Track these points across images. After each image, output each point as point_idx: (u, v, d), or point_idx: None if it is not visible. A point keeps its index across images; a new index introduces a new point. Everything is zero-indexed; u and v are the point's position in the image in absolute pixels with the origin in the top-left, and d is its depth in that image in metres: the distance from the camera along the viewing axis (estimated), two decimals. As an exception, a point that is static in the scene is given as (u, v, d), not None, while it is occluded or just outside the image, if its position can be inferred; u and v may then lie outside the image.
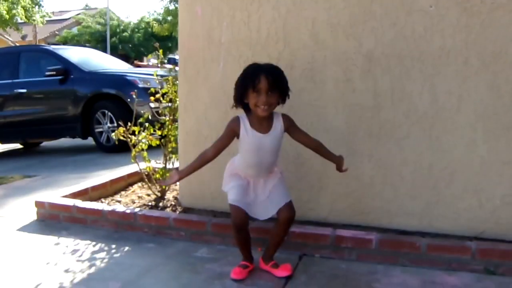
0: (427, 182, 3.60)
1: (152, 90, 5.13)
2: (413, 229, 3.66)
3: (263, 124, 3.11)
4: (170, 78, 5.02)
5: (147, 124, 4.94)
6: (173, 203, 4.82)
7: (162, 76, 5.61)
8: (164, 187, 5.07)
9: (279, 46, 3.80)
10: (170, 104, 5.02)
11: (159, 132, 4.99)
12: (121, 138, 4.84)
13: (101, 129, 9.20)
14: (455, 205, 3.55)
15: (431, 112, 3.53)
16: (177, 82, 4.60)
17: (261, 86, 2.95)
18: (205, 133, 4.12)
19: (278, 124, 3.14)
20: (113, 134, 4.90)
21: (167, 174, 4.97)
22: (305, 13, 3.77)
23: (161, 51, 5.55)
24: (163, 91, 5.04)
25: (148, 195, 5.23)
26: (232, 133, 3.16)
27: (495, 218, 3.47)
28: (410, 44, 3.52)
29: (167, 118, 4.98)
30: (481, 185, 3.48)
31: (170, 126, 4.96)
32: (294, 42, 3.80)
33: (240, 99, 3.10)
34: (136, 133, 4.92)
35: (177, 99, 4.73)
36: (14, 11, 28.67)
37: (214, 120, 4.03)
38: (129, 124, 4.91)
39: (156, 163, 5.15)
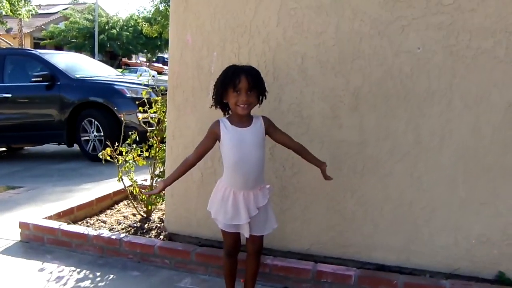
0: (407, 219, 3.70)
1: (141, 109, 5.18)
2: (391, 264, 3.76)
3: (243, 120, 3.15)
4: (159, 99, 5.06)
5: (134, 146, 4.99)
6: (158, 224, 4.88)
7: (149, 86, 5.65)
8: (149, 208, 5.12)
9: (268, 80, 3.84)
10: (156, 115, 5.06)
11: (146, 154, 5.03)
12: (108, 158, 4.89)
13: (87, 138, 9.18)
14: (433, 242, 3.65)
15: (414, 151, 3.63)
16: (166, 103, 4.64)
17: (241, 85, 3.01)
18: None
19: (258, 122, 3.19)
20: (100, 154, 4.93)
21: (154, 197, 5.02)
22: (295, 48, 3.85)
23: (150, 74, 5.58)
24: (152, 111, 5.08)
25: (134, 214, 5.27)
26: (212, 134, 3.19)
27: (470, 256, 3.58)
28: (397, 84, 3.62)
29: (155, 140, 5.02)
30: (458, 223, 3.59)
31: (157, 148, 5.01)
32: (283, 77, 3.87)
33: (220, 99, 3.16)
34: (124, 154, 4.97)
35: (166, 120, 4.78)
36: (-1, 4, 28.47)
37: (202, 148, 4.08)
38: (116, 144, 4.97)
39: (142, 182, 5.19)
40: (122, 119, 5.50)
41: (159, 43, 44.15)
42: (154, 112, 5.07)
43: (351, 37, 3.69)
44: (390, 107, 3.65)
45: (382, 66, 3.64)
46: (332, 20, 3.73)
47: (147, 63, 48.62)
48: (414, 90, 3.58)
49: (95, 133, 9.06)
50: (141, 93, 5.49)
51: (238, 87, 3.01)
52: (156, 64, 47.05)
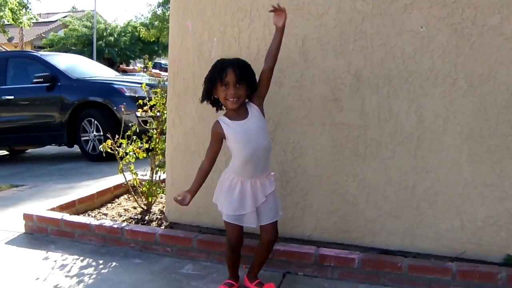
0: (410, 202, 3.64)
1: (140, 102, 5.15)
2: (395, 248, 3.70)
3: (240, 113, 3.12)
4: (158, 90, 5.03)
5: (134, 137, 4.96)
6: (159, 216, 4.85)
7: (150, 86, 5.63)
8: (150, 200, 5.10)
9: (269, 63, 3.83)
10: (158, 114, 5.03)
11: (146, 145, 5.01)
12: (109, 150, 4.87)
13: (87, 138, 9.17)
14: (438, 225, 3.60)
15: (417, 133, 3.57)
16: (166, 94, 4.61)
17: (229, 79, 2.99)
18: (192, 148, 4.14)
19: (253, 109, 3.15)
20: (100, 146, 4.92)
21: (154, 188, 4.99)
22: (296, 31, 3.80)
23: (150, 63, 5.56)
24: (151, 103, 5.05)
25: (134, 207, 5.24)
26: (218, 136, 3.17)
27: (477, 239, 3.52)
28: (399, 64, 3.57)
29: (155, 132, 4.99)
30: (463, 206, 3.53)
31: (157, 140, 4.98)
32: (284, 60, 3.80)
33: (209, 94, 3.14)
34: (124, 146, 4.94)
35: (165, 112, 4.75)
36: (1, 13, 28.57)
37: (202, 135, 4.01)
38: (116, 136, 4.94)
39: (142, 176, 5.15)
40: (123, 110, 5.45)
41: (156, 48, 44.17)
42: (154, 105, 5.03)
43: (353, 17, 3.65)
44: (392, 88, 3.60)
45: (384, 46, 3.60)
46: (333, 0, 3.69)
47: (144, 69, 48.65)
48: (417, 70, 3.54)
49: (94, 133, 9.06)
50: (141, 87, 5.47)
51: (226, 81, 3.01)
52: (153, 70, 47.03)
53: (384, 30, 3.59)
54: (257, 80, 3.18)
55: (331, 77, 3.73)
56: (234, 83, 3.00)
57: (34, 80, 9.43)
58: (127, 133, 4.98)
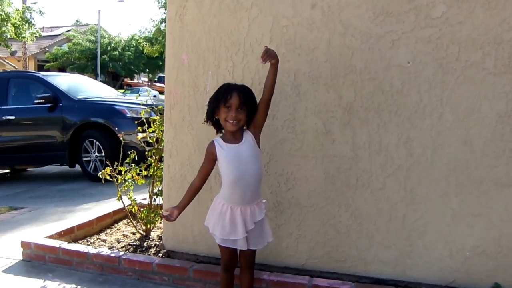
0: (401, 232, 3.72)
1: (140, 128, 5.24)
2: (387, 277, 3.78)
3: (236, 136, 3.21)
4: (157, 118, 5.12)
5: (133, 165, 5.04)
6: (157, 243, 4.91)
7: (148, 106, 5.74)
8: (148, 226, 5.15)
9: (262, 96, 3.91)
10: (155, 134, 5.11)
11: (145, 173, 5.08)
12: (108, 178, 4.94)
13: (88, 158, 9.23)
14: (428, 255, 3.67)
15: (406, 165, 3.66)
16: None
17: (232, 101, 3.09)
18: (189, 178, 4.19)
19: (248, 136, 3.23)
20: (99, 174, 4.97)
21: (152, 215, 5.06)
22: (288, 65, 3.89)
23: (153, 92, 5.64)
24: (150, 130, 5.14)
25: (133, 233, 5.30)
26: (210, 156, 3.25)
27: (465, 268, 3.60)
28: (388, 98, 3.66)
29: (153, 159, 5.07)
30: (452, 236, 3.61)
31: (155, 167, 5.06)
32: (277, 93, 3.87)
33: (212, 115, 3.24)
34: (123, 173, 5.02)
35: (164, 139, 4.84)
36: (4, 28, 28.68)
37: (198, 166, 4.06)
38: (115, 163, 5.02)
39: (141, 200, 5.22)
40: (122, 139, 5.53)
41: (160, 63, 44.39)
42: (153, 132, 5.12)
43: (343, 52, 3.75)
44: (382, 121, 3.69)
45: (373, 81, 3.69)
46: (324, 36, 3.78)
47: (149, 83, 48.94)
48: (405, 103, 3.63)
49: (96, 154, 9.11)
50: (140, 113, 5.56)
51: (229, 103, 3.09)
52: (158, 84, 47.44)
53: (373, 65, 3.68)
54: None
55: (323, 110, 3.82)
56: (237, 106, 3.10)
57: (35, 101, 9.46)
58: (126, 161, 5.06)
